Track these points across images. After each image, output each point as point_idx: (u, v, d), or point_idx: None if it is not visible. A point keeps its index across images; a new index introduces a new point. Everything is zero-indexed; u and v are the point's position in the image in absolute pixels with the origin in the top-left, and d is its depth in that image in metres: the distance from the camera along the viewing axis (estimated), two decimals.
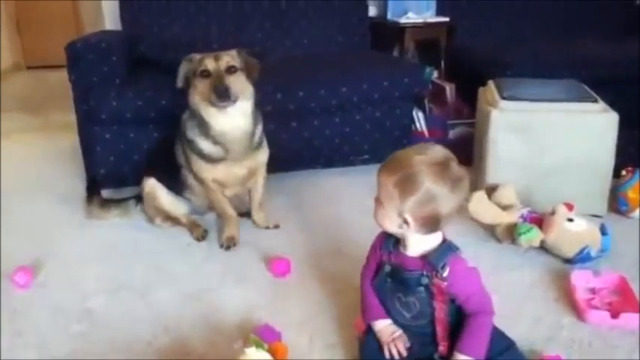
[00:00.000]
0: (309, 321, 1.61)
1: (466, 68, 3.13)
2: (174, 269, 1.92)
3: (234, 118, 1.95)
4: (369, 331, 1.39)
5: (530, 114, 2.19)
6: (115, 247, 2.09)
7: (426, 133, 3.02)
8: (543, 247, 1.95)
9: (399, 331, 1.34)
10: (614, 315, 1.55)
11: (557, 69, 2.75)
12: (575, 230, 1.89)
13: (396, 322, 1.35)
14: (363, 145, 2.77)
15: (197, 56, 1.96)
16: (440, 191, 1.19)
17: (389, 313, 1.36)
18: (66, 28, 6.11)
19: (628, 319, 1.54)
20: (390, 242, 1.33)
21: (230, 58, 1.95)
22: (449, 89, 3.15)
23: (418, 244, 1.28)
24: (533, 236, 1.91)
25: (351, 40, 3.20)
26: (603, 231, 1.91)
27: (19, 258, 1.94)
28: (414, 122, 2.97)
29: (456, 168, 1.23)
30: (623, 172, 2.25)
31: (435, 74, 3.27)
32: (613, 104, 2.21)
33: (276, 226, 2.21)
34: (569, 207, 1.98)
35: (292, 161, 2.69)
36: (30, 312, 1.69)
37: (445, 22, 3.30)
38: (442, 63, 3.32)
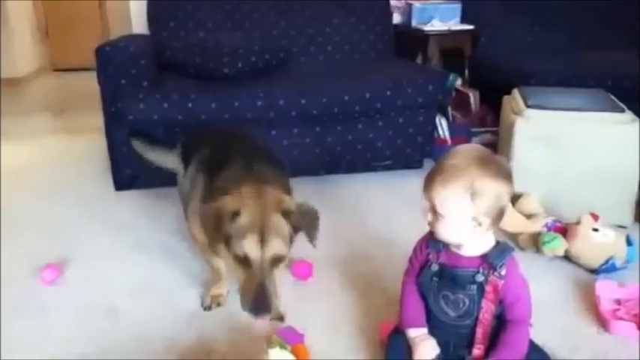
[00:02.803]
0: (331, 324, 1.62)
1: (490, 76, 3.12)
2: (199, 270, 1.94)
3: None
4: (397, 331, 1.39)
5: (556, 123, 2.18)
6: (140, 247, 2.12)
7: (449, 141, 3.02)
8: (567, 257, 1.93)
9: (433, 342, 1.33)
10: None
11: (582, 79, 2.72)
12: (600, 240, 1.87)
13: (438, 321, 1.34)
14: (386, 151, 2.78)
15: (231, 203, 1.38)
16: (502, 187, 1.22)
17: (430, 313, 1.35)
18: (93, 32, 6.24)
19: None
20: (440, 242, 1.31)
21: (279, 245, 1.39)
22: (473, 97, 3.14)
23: (477, 244, 1.28)
24: (558, 245, 1.91)
25: (375, 47, 3.22)
26: (629, 242, 1.89)
27: (46, 256, 1.99)
28: (436, 129, 2.97)
29: (498, 158, 1.27)
30: None
31: (459, 82, 3.27)
32: (638, 115, 2.19)
33: None
34: (595, 217, 1.96)
35: (315, 166, 2.72)
36: (57, 309, 1.72)
37: (470, 30, 3.29)
38: (466, 71, 3.32)
